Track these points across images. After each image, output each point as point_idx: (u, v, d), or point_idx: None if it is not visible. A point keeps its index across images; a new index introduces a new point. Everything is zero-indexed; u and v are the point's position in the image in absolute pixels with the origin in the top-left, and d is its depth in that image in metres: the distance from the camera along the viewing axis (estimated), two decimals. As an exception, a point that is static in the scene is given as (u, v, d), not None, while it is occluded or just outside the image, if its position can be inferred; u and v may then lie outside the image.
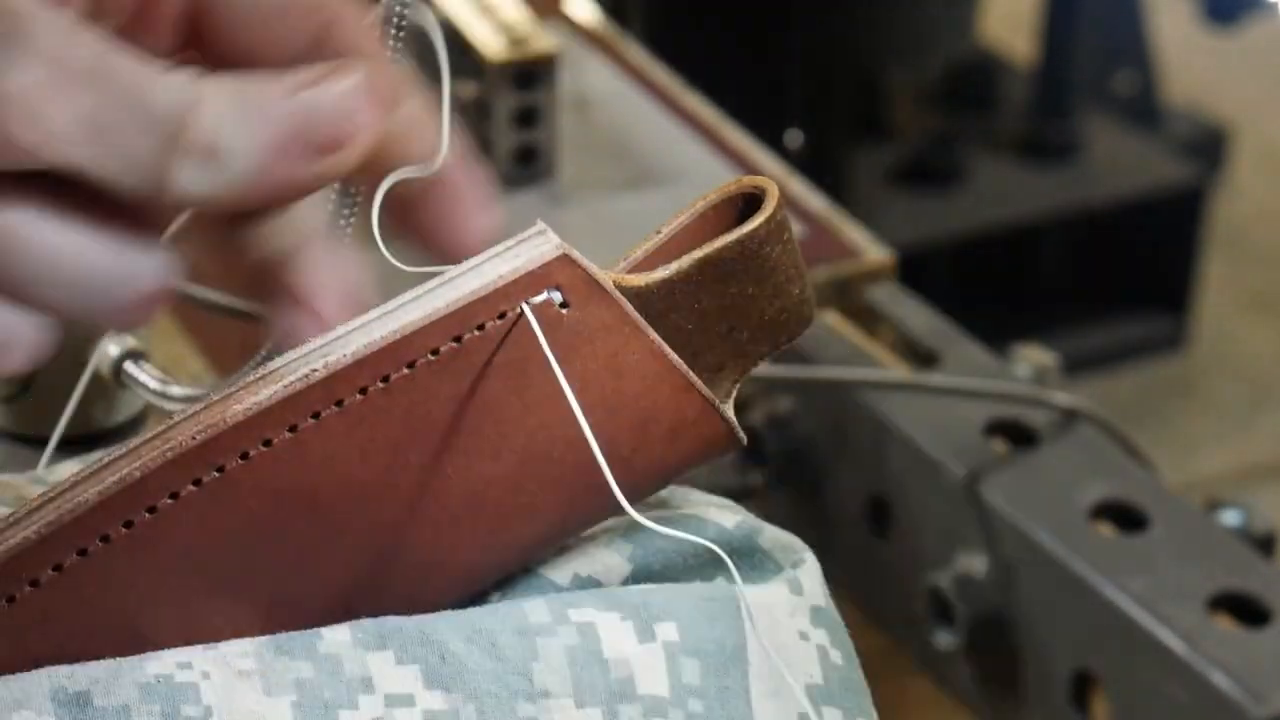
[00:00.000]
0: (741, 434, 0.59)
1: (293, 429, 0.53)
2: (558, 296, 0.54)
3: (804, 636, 0.59)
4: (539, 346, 0.54)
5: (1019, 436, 1.10)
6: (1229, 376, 2.22)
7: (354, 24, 0.57)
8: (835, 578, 0.63)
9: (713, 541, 0.59)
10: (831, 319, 1.18)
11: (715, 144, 1.32)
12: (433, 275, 0.54)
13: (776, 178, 1.28)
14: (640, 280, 0.56)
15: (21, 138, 0.50)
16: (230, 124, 0.52)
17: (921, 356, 1.17)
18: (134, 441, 0.53)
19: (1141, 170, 2.22)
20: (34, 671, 0.52)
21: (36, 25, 0.51)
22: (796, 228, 0.59)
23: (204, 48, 0.58)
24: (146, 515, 0.52)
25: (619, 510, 0.57)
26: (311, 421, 0.53)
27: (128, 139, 0.52)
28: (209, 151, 0.52)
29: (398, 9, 0.63)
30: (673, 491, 0.62)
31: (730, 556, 0.59)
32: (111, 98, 0.51)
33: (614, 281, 0.55)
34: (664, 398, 0.57)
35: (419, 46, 1.32)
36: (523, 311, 0.53)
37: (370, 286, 0.57)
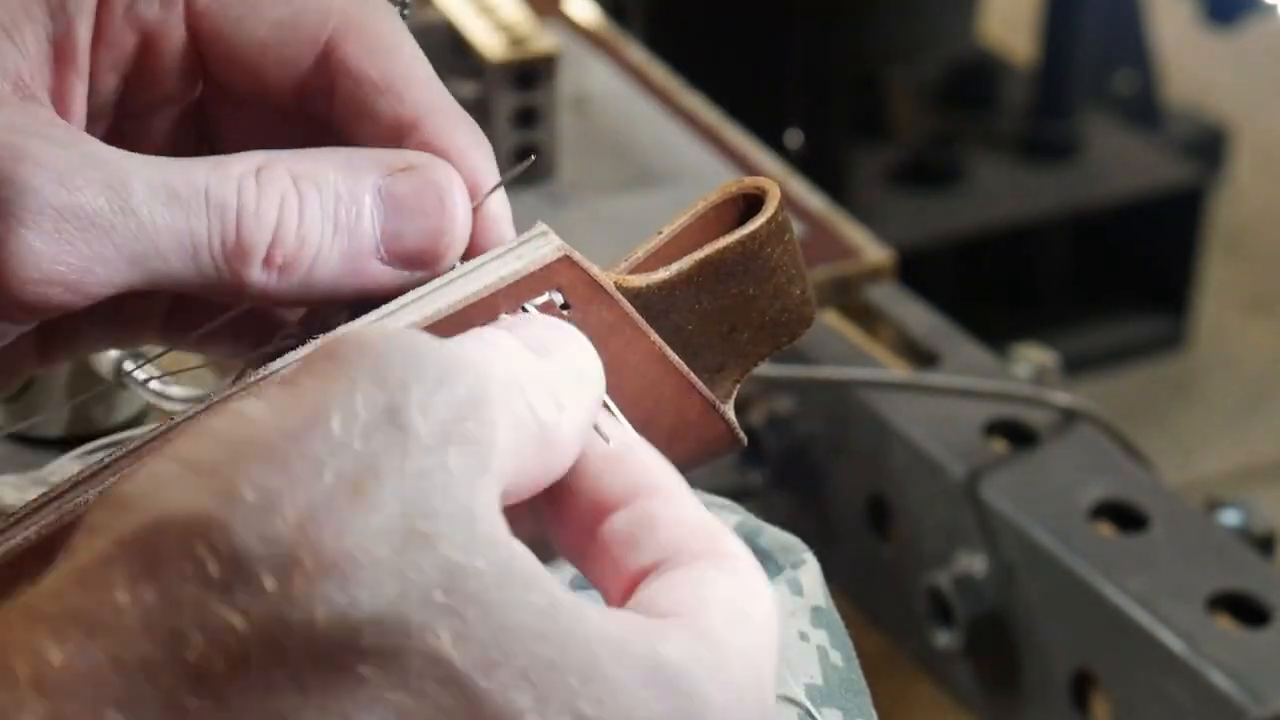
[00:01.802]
0: (742, 434, 0.59)
1: (294, 430, 0.53)
2: (559, 298, 0.54)
3: (804, 637, 0.59)
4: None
5: (1019, 436, 1.10)
6: (1229, 376, 2.22)
7: (361, 36, 0.56)
8: (835, 578, 0.63)
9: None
10: (831, 319, 1.18)
11: (715, 144, 1.32)
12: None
13: (776, 178, 1.28)
14: (641, 281, 0.56)
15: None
16: (313, 236, 0.52)
17: (921, 356, 1.17)
18: (135, 442, 0.53)
19: (1141, 170, 2.22)
20: None
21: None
22: (796, 227, 0.59)
23: (212, 80, 0.57)
24: (148, 516, 0.52)
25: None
26: (313, 423, 0.53)
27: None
28: (289, 265, 0.53)
29: (399, 10, 0.63)
30: (673, 492, 0.62)
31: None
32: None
33: (615, 282, 0.55)
34: (665, 399, 0.57)
35: (420, 45, 1.32)
36: (526, 312, 0.53)
37: None
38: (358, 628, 0.38)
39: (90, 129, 0.56)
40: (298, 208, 0.52)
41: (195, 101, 0.58)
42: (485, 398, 0.42)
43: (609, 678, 0.40)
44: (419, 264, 0.53)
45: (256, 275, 0.52)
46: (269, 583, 0.38)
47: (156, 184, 0.52)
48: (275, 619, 0.38)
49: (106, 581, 0.39)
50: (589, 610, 0.41)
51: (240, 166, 0.52)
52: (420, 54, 0.57)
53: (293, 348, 0.54)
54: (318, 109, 0.56)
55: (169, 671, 0.38)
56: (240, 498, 0.39)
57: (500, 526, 0.41)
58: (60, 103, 0.55)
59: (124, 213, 0.51)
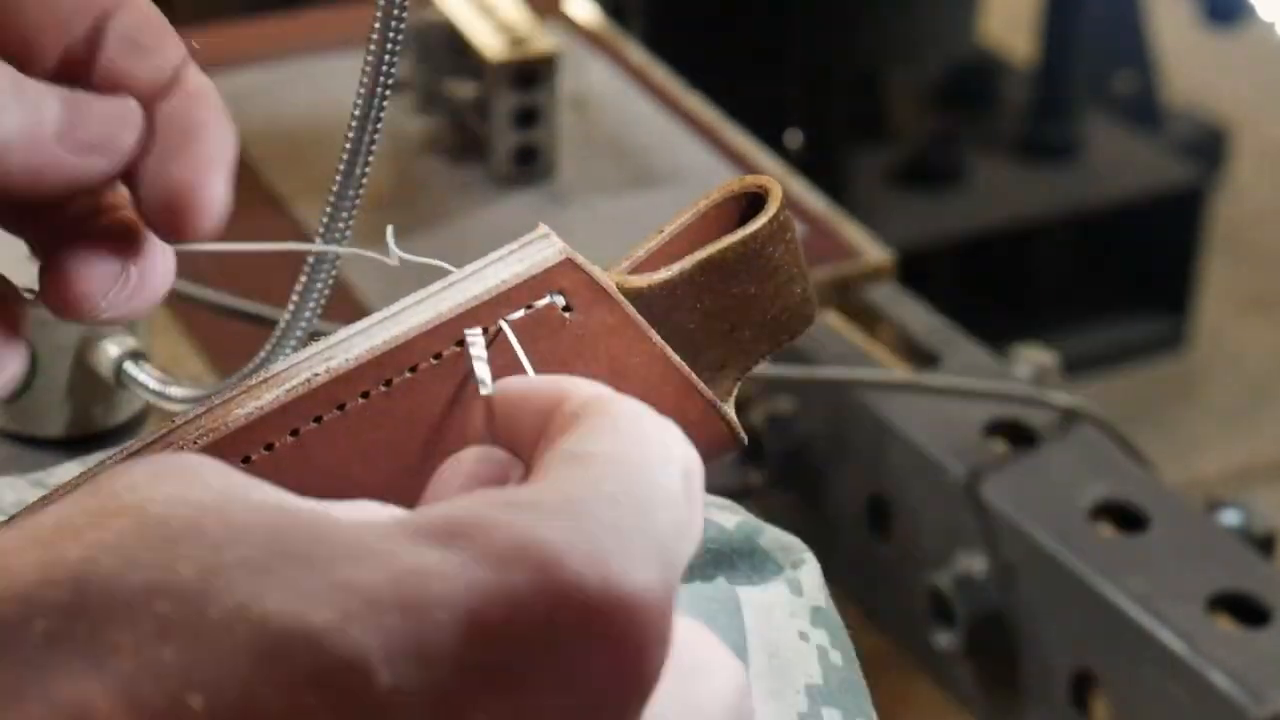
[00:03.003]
0: (742, 434, 0.59)
1: (294, 433, 0.53)
2: (561, 300, 0.54)
3: (804, 637, 0.59)
4: (542, 350, 0.54)
5: (1019, 436, 1.10)
6: (1229, 376, 2.22)
7: (137, 11, 0.56)
8: (835, 578, 0.63)
9: (712, 542, 0.59)
10: (831, 319, 1.18)
11: (715, 144, 1.32)
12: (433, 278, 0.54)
13: (776, 177, 1.28)
14: (643, 282, 0.56)
15: None
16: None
17: (921, 356, 1.17)
18: (135, 445, 0.53)
19: (1141, 170, 2.22)
20: None
21: None
22: (797, 227, 0.59)
23: None
24: (148, 517, 0.52)
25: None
26: (313, 425, 0.53)
27: None
28: None
29: (396, 10, 0.63)
30: (673, 492, 0.62)
31: (730, 557, 0.59)
32: None
33: (617, 283, 0.55)
34: (666, 400, 0.57)
35: (418, 45, 1.33)
36: (541, 306, 0.53)
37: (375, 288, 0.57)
38: (32, 603, 0.35)
39: None
40: None
41: None
42: None
43: (372, 548, 0.37)
44: (98, 151, 0.54)
45: None
46: None
47: None
48: None
49: None
50: (332, 509, 0.39)
51: None
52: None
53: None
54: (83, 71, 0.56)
55: None
56: None
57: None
58: None
59: None
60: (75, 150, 0.54)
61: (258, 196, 1.21)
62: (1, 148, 0.53)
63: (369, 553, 0.37)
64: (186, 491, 0.38)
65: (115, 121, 0.55)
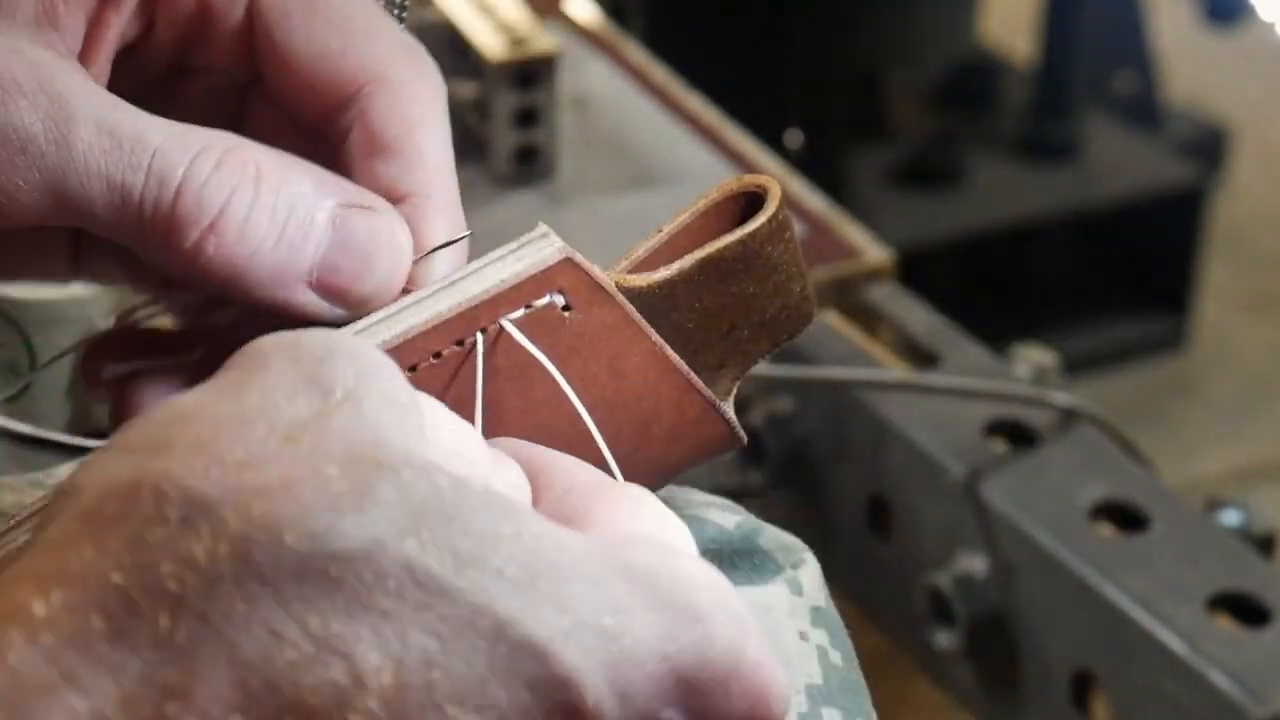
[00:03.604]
0: (742, 433, 0.59)
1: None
2: (560, 299, 0.54)
3: (804, 637, 0.59)
4: (542, 349, 0.54)
5: (1019, 436, 1.10)
6: (1229, 376, 2.22)
7: (391, 99, 0.56)
8: (835, 578, 0.63)
9: (712, 542, 0.59)
10: (831, 319, 1.18)
11: (715, 144, 1.32)
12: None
13: (777, 178, 1.28)
14: (642, 280, 0.56)
15: None
16: (253, 237, 0.52)
17: (921, 356, 1.17)
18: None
19: (1141, 170, 2.22)
20: None
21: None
22: (796, 227, 0.59)
23: (258, 72, 0.57)
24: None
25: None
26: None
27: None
28: (220, 255, 0.52)
29: (396, 11, 0.63)
30: (673, 492, 0.62)
31: (730, 557, 0.59)
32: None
33: (616, 282, 0.55)
34: (665, 398, 0.57)
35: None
36: (541, 306, 0.53)
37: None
38: (323, 540, 0.40)
39: (140, 77, 0.57)
40: (250, 203, 0.52)
41: (240, 86, 0.58)
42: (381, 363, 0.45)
43: (588, 575, 0.42)
44: (340, 301, 0.54)
45: (185, 247, 0.52)
46: (228, 513, 0.40)
47: (103, 128, 0.51)
48: (240, 539, 0.40)
49: (74, 543, 0.40)
50: (551, 524, 0.43)
51: (205, 141, 0.52)
52: (444, 136, 0.57)
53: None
54: (337, 140, 0.56)
55: (146, 600, 0.39)
56: (180, 455, 0.41)
57: (439, 456, 0.44)
58: (95, 29, 0.55)
59: (58, 145, 0.51)
60: (323, 294, 0.53)
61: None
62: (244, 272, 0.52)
63: (582, 573, 0.42)
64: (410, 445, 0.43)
65: (368, 278, 0.53)
